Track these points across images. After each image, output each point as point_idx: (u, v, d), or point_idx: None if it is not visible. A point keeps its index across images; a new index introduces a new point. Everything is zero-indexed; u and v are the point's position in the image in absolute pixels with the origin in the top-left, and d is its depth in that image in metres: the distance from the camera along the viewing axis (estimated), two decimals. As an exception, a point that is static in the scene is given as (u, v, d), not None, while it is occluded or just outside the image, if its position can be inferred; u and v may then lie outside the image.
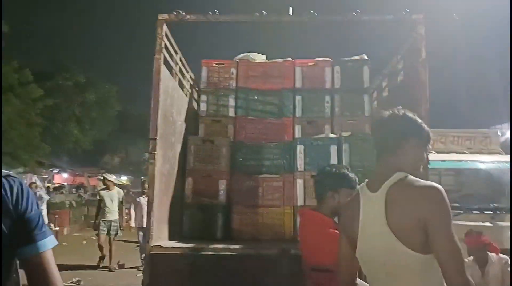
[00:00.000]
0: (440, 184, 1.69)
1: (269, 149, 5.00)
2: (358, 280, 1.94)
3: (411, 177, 1.71)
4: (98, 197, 9.41)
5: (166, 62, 4.33)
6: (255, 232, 4.66)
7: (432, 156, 6.43)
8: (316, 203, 2.78)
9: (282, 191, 4.74)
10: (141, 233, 8.26)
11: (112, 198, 8.89)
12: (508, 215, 6.18)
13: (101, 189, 9.51)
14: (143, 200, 8.40)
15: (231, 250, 3.94)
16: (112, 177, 9.72)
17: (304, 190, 4.55)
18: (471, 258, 4.58)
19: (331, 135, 4.93)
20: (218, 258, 3.84)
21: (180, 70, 5.05)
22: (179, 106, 4.86)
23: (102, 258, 8.76)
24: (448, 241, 1.57)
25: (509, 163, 6.93)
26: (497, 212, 6.22)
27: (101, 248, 8.68)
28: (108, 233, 8.73)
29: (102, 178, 10.26)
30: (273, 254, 3.87)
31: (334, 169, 2.77)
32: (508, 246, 5.20)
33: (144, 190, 8.56)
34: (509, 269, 4.48)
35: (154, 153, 3.84)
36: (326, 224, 2.51)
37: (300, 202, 4.55)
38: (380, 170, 1.80)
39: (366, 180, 1.88)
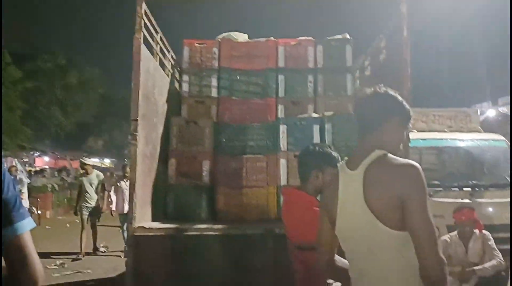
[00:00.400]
0: (421, 163, 1.70)
1: (252, 129, 4.99)
2: (337, 257, 1.96)
3: (389, 155, 1.72)
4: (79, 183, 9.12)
5: (146, 42, 4.26)
6: (240, 213, 4.67)
7: (414, 135, 6.50)
8: (300, 182, 2.78)
9: (265, 171, 4.75)
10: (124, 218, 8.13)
11: (92, 182, 8.62)
12: (487, 192, 6.31)
13: (81, 174, 9.18)
14: (124, 184, 8.30)
15: (216, 231, 3.95)
16: (90, 161, 9.34)
17: (288, 170, 4.57)
18: (455, 233, 4.67)
19: (314, 115, 4.94)
20: (203, 238, 3.84)
21: (161, 49, 4.98)
22: (161, 86, 4.81)
23: (82, 253, 8.19)
24: (423, 219, 1.59)
25: (502, 142, 7.06)
26: (476, 189, 6.34)
27: (82, 240, 8.24)
28: (91, 218, 8.51)
29: (80, 163, 9.78)
30: (257, 234, 3.89)
31: (317, 148, 2.77)
32: (488, 222, 5.31)
33: (126, 174, 8.41)
34: (490, 243, 4.59)
35: (135, 134, 3.80)
36: (311, 202, 2.52)
37: (283, 181, 4.58)
38: (360, 148, 1.80)
39: (346, 158, 1.88)
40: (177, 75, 5.73)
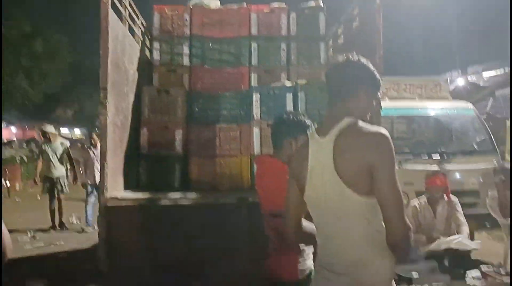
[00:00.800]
0: (393, 131, 1.72)
1: (225, 98, 4.95)
2: (304, 222, 1.98)
3: (359, 122, 1.72)
4: (38, 152, 8.41)
5: (114, 7, 4.12)
6: (213, 182, 4.67)
7: (385, 104, 6.57)
8: (273, 150, 2.78)
9: (239, 140, 4.74)
10: (91, 189, 7.87)
11: (56, 151, 7.91)
12: (455, 159, 6.48)
13: (43, 142, 8.34)
14: (91, 153, 8.02)
15: (189, 200, 3.95)
16: (51, 128, 8.43)
17: (261, 139, 4.57)
18: (424, 199, 4.81)
19: (288, 84, 4.91)
20: (176, 208, 3.84)
21: (130, 15, 4.82)
22: (131, 54, 4.68)
23: (53, 227, 7.88)
24: (391, 185, 1.62)
25: (470, 111, 7.20)
26: (445, 156, 6.50)
27: (52, 213, 7.87)
28: (54, 189, 7.86)
29: (40, 131, 8.99)
30: (231, 202, 3.91)
31: (290, 116, 2.76)
32: (456, 188, 5.47)
33: (93, 143, 8.15)
34: (457, 209, 4.75)
35: (105, 102, 3.71)
36: (283, 170, 2.52)
37: (257, 150, 4.58)
38: (330, 115, 1.81)
39: (316, 125, 1.89)
40: (147, 43, 5.58)
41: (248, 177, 4.62)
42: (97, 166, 7.09)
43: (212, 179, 4.68)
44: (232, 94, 4.96)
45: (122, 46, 4.27)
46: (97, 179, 7.01)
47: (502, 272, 3.71)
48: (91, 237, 6.79)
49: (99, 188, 3.85)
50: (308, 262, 2.40)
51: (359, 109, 1.78)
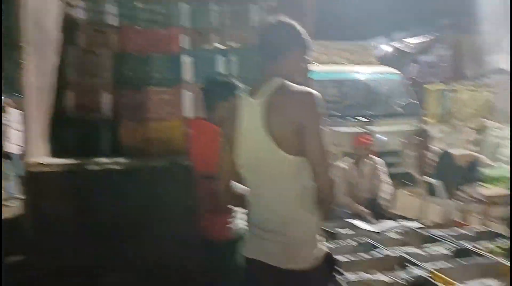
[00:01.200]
0: (323, 95, 1.77)
1: (156, 61, 4.80)
2: (234, 183, 2.01)
3: (289, 83, 1.75)
4: None
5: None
6: (145, 147, 4.57)
7: (317, 68, 6.71)
8: (206, 113, 2.78)
9: (171, 104, 4.65)
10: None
11: None
12: (381, 121, 6.82)
13: None
14: (5, 119, 7.44)
15: (120, 165, 3.86)
16: None
17: (193, 102, 4.51)
18: (351, 160, 5.04)
19: (219, 46, 4.85)
20: (106, 173, 3.74)
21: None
22: (53, 11, 4.38)
23: None
24: (319, 144, 1.69)
25: (396, 75, 7.51)
26: (371, 119, 6.81)
27: None
28: None
29: None
30: (163, 166, 3.87)
31: (222, 79, 2.77)
32: (380, 149, 5.77)
33: (4, 107, 7.57)
34: (382, 168, 5.02)
35: (24, 62, 3.47)
36: (216, 132, 2.53)
37: (189, 114, 4.53)
38: (261, 77, 1.83)
39: (247, 87, 1.91)
40: (71, 0, 5.23)
41: (180, 141, 4.56)
42: (14, 132, 6.67)
43: (143, 143, 4.57)
44: (163, 56, 4.82)
45: (43, 1, 3.99)
46: (13, 147, 6.62)
47: (418, 225, 4.03)
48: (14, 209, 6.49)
49: (23, 154, 3.66)
50: (239, 222, 2.46)
51: (288, 71, 1.81)
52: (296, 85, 1.75)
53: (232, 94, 2.60)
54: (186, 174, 3.03)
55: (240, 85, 2.70)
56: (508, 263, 2.85)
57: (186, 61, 4.59)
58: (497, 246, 3.20)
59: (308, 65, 1.93)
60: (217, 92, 2.67)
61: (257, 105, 1.75)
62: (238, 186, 1.98)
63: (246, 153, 1.83)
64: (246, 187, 1.91)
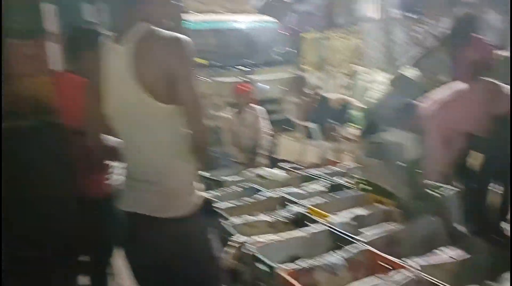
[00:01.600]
0: (203, 45, 1.72)
1: (14, 9, 4.28)
2: (105, 136, 1.93)
3: (156, 29, 1.67)
4: None
5: None
6: (9, 105, 4.15)
7: (194, 17, 6.56)
8: (72, 65, 2.61)
9: (34, 57, 4.23)
10: None
11: None
12: (261, 70, 6.96)
13: None
14: None
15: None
16: None
17: (60, 54, 4.17)
18: (234, 110, 5.11)
19: (86, -8, 4.49)
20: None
21: None
22: None
23: None
24: (191, 91, 1.65)
25: (274, 24, 7.59)
26: (252, 68, 6.92)
27: None
28: None
29: None
30: (31, 125, 3.56)
31: (87, 27, 2.59)
32: (261, 97, 5.92)
33: None
34: (263, 115, 5.17)
35: None
36: (83, 84, 2.39)
37: (57, 67, 4.18)
38: (125, 22, 1.72)
39: (111, 33, 1.79)
40: None
41: (48, 97, 4.21)
42: None
43: (7, 102, 4.14)
44: (23, 3, 4.32)
45: None
46: None
47: (298, 166, 4.28)
48: None
49: None
50: (116, 176, 2.39)
51: (153, 15, 1.72)
52: (164, 31, 1.67)
53: (95, 43, 2.45)
54: (57, 132, 2.83)
55: (104, 31, 2.54)
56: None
57: (48, 9, 4.16)
58: (361, 179, 3.44)
59: (178, 10, 1.86)
60: (82, 41, 2.51)
61: (123, 52, 1.65)
62: (111, 139, 1.89)
63: (115, 103, 1.73)
64: (119, 139, 1.83)
